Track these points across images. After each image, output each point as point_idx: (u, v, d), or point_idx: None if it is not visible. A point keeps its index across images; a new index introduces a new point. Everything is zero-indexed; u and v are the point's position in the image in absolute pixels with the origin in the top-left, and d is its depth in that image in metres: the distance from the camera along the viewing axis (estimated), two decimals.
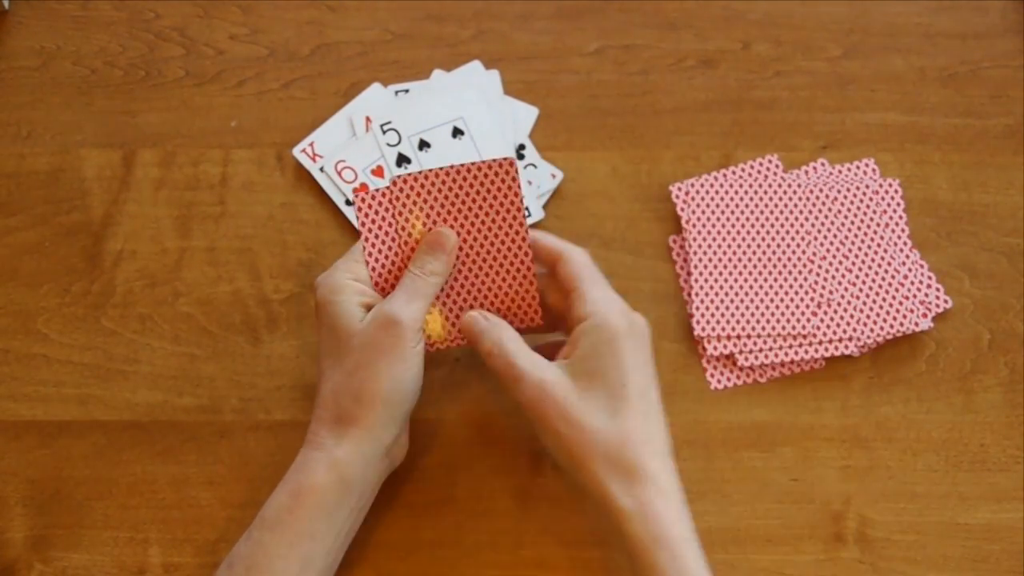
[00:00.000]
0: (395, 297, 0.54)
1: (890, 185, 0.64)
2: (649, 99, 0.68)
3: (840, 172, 0.65)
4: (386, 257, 0.56)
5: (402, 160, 0.65)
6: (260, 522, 0.52)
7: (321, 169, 0.65)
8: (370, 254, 0.56)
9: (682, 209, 0.64)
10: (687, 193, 0.64)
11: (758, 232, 0.63)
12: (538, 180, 0.65)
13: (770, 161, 0.65)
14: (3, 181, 0.66)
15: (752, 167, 0.65)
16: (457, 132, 0.65)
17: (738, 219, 0.63)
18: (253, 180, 0.66)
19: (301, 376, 0.62)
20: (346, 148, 0.65)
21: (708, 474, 0.60)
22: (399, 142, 0.65)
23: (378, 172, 0.64)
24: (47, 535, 0.58)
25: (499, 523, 0.58)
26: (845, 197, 0.64)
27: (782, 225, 0.63)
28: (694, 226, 0.63)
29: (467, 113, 0.65)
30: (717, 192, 0.64)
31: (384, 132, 0.65)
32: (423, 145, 0.65)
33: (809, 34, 0.70)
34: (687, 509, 0.52)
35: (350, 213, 0.64)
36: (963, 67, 0.69)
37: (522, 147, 0.66)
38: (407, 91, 0.67)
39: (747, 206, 0.63)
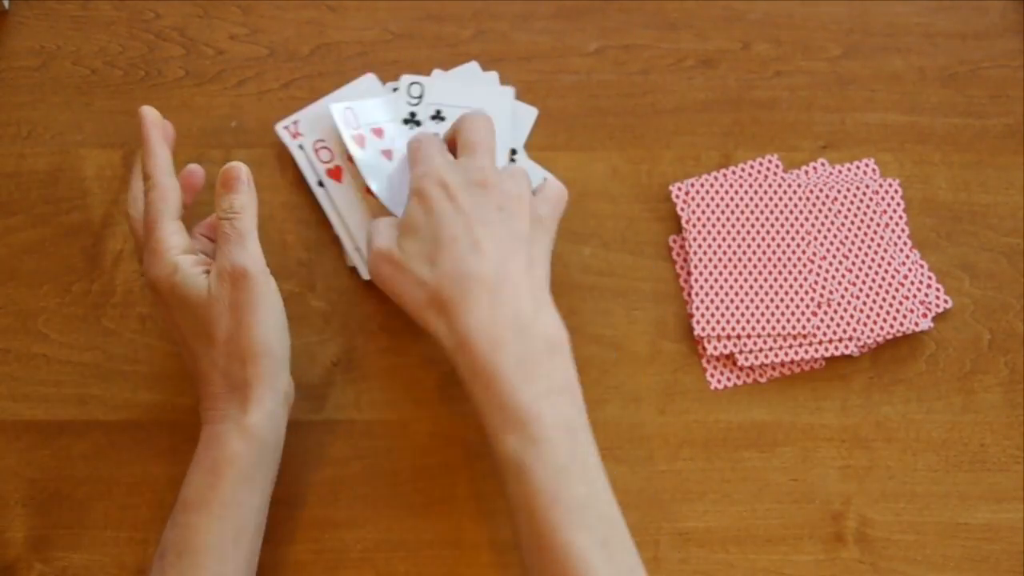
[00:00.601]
0: (224, 249, 0.53)
1: (890, 185, 0.64)
2: (649, 99, 0.68)
3: (840, 172, 0.65)
4: None
5: (410, 120, 0.65)
6: (183, 506, 0.52)
7: (300, 147, 0.65)
8: None
9: (682, 209, 0.64)
10: (687, 193, 0.64)
11: (758, 232, 0.63)
12: None
13: (770, 161, 0.65)
14: (3, 181, 0.66)
15: (752, 167, 0.65)
16: None
17: (738, 219, 0.63)
18: (253, 180, 0.66)
19: (301, 376, 0.62)
20: (363, 101, 0.66)
21: (708, 474, 0.60)
22: (418, 102, 0.65)
23: (378, 132, 0.65)
24: (47, 535, 0.58)
25: (499, 523, 0.58)
26: (845, 197, 0.64)
27: (782, 225, 0.63)
28: (694, 226, 0.63)
29: (489, 109, 0.66)
30: (717, 192, 0.64)
31: (411, 87, 0.66)
32: (437, 116, 0.65)
33: (809, 34, 0.70)
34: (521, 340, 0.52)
35: (321, 194, 0.64)
36: (963, 67, 0.69)
37: (513, 152, 0.66)
38: (417, 83, 0.67)
39: (747, 206, 0.63)
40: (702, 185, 0.64)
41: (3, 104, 0.68)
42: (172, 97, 0.68)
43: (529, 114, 0.67)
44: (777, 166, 0.65)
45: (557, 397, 0.51)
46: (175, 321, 0.54)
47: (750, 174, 0.65)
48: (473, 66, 0.68)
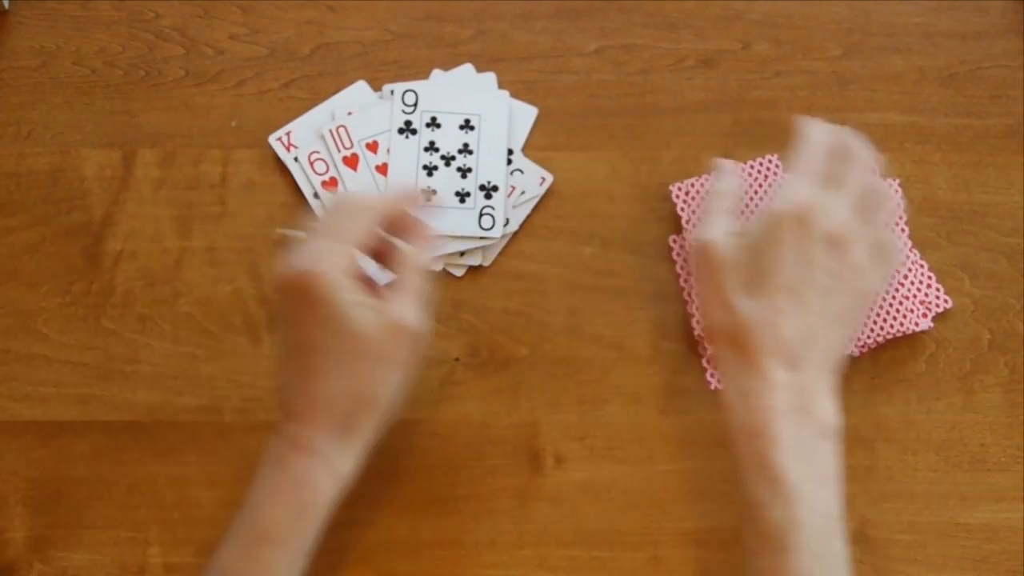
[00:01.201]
0: (403, 302, 0.51)
1: (889, 185, 0.64)
2: (649, 99, 0.68)
3: None
4: None
5: (405, 129, 0.65)
6: (258, 538, 0.50)
7: (295, 159, 0.65)
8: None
9: (682, 209, 0.64)
10: (687, 193, 0.64)
11: None
12: (523, 185, 0.65)
13: (770, 161, 0.65)
14: (3, 181, 0.66)
15: (752, 167, 0.65)
16: (467, 126, 0.65)
17: (738, 218, 0.63)
18: (253, 180, 0.66)
19: None
20: (357, 113, 0.66)
21: (708, 474, 0.60)
22: (413, 110, 0.65)
23: (372, 147, 0.65)
24: (47, 535, 0.58)
25: (499, 523, 0.58)
26: None
27: None
28: (694, 226, 0.63)
29: (485, 113, 0.66)
30: None
31: (404, 95, 0.66)
32: (432, 123, 0.65)
33: (809, 34, 0.70)
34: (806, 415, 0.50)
35: (317, 207, 0.65)
36: (963, 67, 0.69)
37: (510, 152, 0.66)
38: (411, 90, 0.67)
39: (747, 205, 0.63)
40: (702, 185, 0.64)
41: (3, 104, 0.68)
42: (172, 97, 0.68)
43: (528, 114, 0.67)
44: (777, 166, 0.65)
45: (824, 484, 0.50)
46: (313, 331, 0.50)
47: (749, 174, 0.65)
48: (468, 68, 0.68)
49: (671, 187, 0.65)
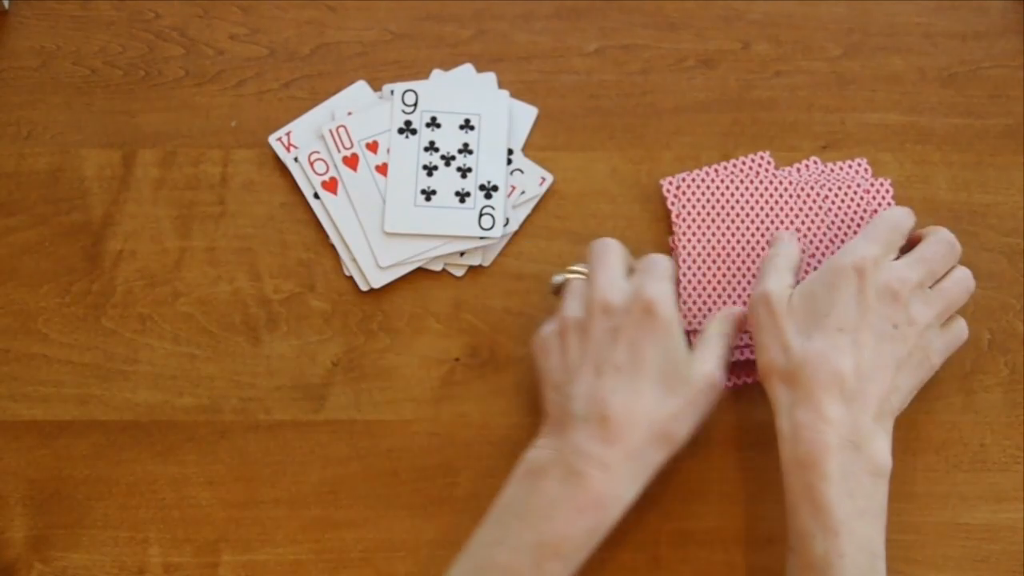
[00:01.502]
0: (712, 359, 0.54)
1: (881, 184, 0.64)
2: (649, 99, 0.68)
3: (832, 170, 0.65)
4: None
5: (405, 129, 0.65)
6: (550, 549, 0.50)
7: (295, 159, 0.65)
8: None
9: (672, 203, 0.64)
10: (678, 187, 0.64)
11: (748, 227, 0.63)
12: (523, 185, 0.65)
13: (761, 158, 0.65)
14: (3, 181, 0.66)
15: (744, 163, 0.65)
16: (467, 126, 0.65)
17: (728, 214, 0.63)
18: (253, 180, 0.66)
19: (301, 376, 0.62)
20: (357, 113, 0.66)
21: (708, 474, 0.60)
22: (413, 110, 0.65)
23: (372, 147, 0.65)
24: (47, 535, 0.58)
25: None
26: (835, 195, 0.64)
27: (772, 221, 0.63)
28: (684, 220, 0.63)
29: (485, 113, 0.66)
30: (708, 187, 0.64)
31: (404, 95, 0.66)
32: (433, 123, 0.65)
33: (809, 34, 0.70)
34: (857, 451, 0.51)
35: (317, 207, 0.65)
36: (963, 67, 0.69)
37: (510, 152, 0.66)
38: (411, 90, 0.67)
39: (737, 202, 0.63)
40: (693, 180, 0.64)
41: (3, 104, 0.68)
42: (172, 97, 0.68)
43: (528, 114, 0.67)
44: (769, 163, 0.65)
45: (871, 520, 0.51)
46: (648, 353, 0.53)
47: (741, 170, 0.65)
48: (468, 68, 0.68)
49: (662, 181, 0.65)
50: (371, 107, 0.66)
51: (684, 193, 0.64)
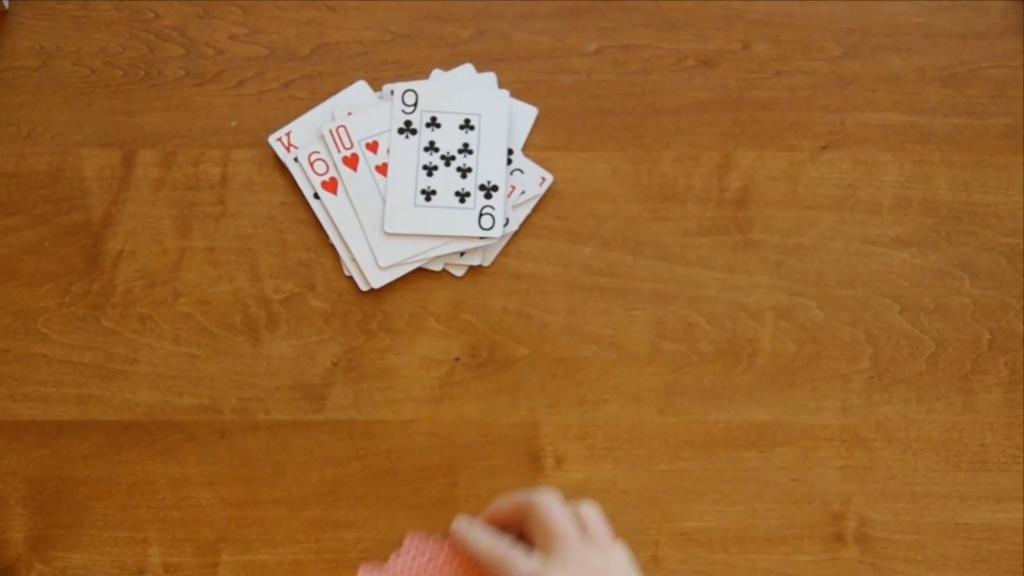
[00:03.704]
0: None
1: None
2: (649, 99, 0.68)
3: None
4: None
5: (405, 129, 0.65)
6: None
7: (295, 159, 0.65)
8: None
9: None
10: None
11: None
12: (523, 185, 0.65)
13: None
14: (3, 181, 0.66)
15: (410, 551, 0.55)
16: (467, 126, 0.66)
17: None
18: (253, 180, 0.66)
19: (301, 376, 0.62)
20: (357, 113, 0.66)
21: (708, 474, 0.60)
22: (413, 110, 0.65)
23: (372, 147, 0.65)
24: (47, 535, 0.58)
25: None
26: None
27: None
28: None
29: (485, 113, 0.66)
30: None
31: (404, 95, 0.66)
32: (432, 123, 0.66)
33: (809, 34, 0.70)
34: None
35: (317, 207, 0.65)
36: (963, 67, 0.69)
37: (510, 152, 0.66)
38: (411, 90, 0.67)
39: None
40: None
41: (3, 104, 0.68)
42: (172, 97, 0.68)
43: (528, 114, 0.67)
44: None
45: None
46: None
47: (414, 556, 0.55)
48: (468, 68, 0.68)
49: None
50: (371, 107, 0.66)
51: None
